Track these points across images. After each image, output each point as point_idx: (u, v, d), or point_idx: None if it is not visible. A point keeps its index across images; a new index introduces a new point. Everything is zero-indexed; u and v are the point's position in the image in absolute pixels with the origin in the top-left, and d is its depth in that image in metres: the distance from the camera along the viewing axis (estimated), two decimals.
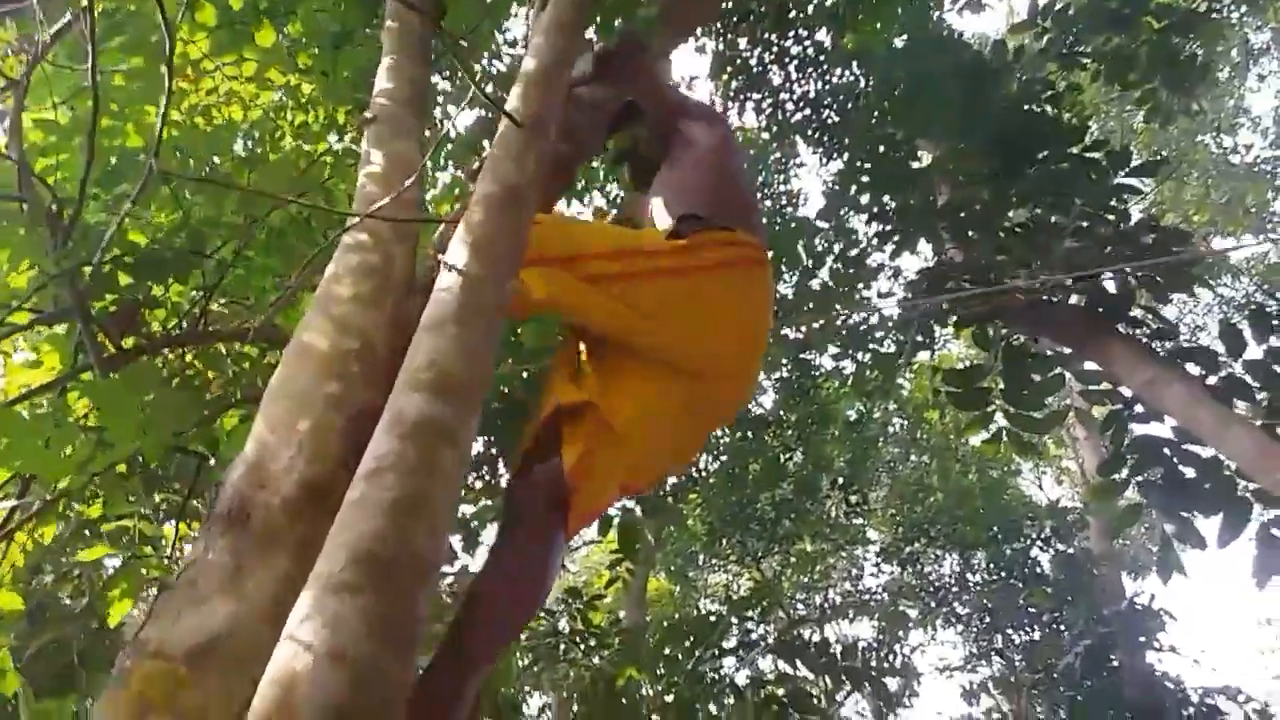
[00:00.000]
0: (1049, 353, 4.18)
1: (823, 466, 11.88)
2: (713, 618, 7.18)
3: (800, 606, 14.25)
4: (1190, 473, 3.69)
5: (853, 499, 12.33)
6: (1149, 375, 3.60)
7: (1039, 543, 12.23)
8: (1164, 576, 3.82)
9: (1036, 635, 11.92)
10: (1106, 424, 3.99)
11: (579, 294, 1.72)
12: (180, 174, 2.36)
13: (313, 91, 2.70)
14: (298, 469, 1.33)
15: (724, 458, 11.25)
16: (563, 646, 6.43)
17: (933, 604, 12.95)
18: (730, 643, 7.54)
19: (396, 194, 1.81)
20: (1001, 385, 4.01)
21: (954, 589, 13.14)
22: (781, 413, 10.96)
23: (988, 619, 12.81)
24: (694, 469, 11.50)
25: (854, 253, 5.11)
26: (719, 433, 11.89)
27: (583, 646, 6.29)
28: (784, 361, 10.30)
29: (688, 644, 5.65)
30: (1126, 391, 3.83)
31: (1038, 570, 12.06)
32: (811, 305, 7.76)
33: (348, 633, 0.92)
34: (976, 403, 4.02)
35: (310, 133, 2.75)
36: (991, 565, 12.47)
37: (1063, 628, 10.99)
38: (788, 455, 11.31)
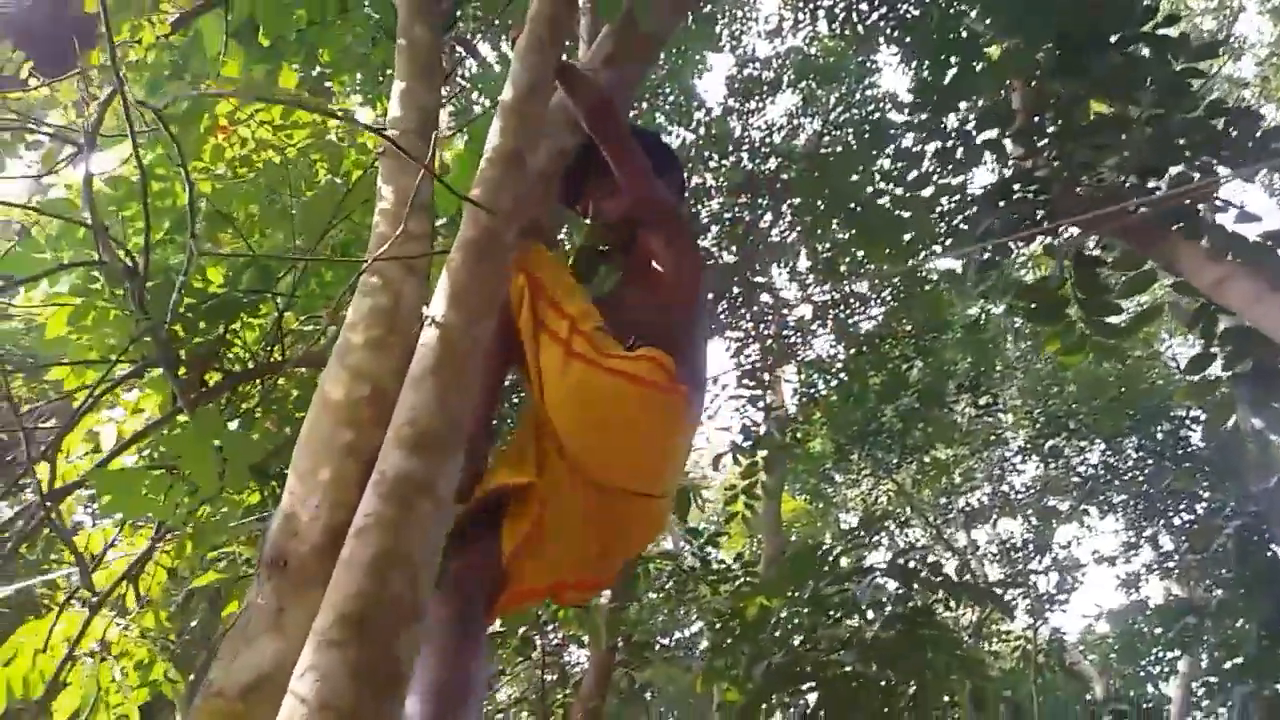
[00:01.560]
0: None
1: (947, 372, 11.67)
2: (842, 539, 7.21)
3: (947, 514, 14.17)
4: None
5: (982, 401, 12.08)
6: (1217, 274, 3.41)
7: (1189, 422, 11.70)
8: (1258, 477, 3.67)
9: (1193, 518, 11.52)
10: (1195, 318, 3.81)
11: (527, 323, 1.87)
12: (214, 243, 2.58)
13: (339, 128, 2.88)
14: (322, 518, 1.51)
15: (842, 376, 11.21)
16: (689, 583, 6.68)
17: (1080, 496, 12.65)
18: (868, 559, 7.63)
19: (401, 230, 1.94)
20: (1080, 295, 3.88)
21: (1105, 478, 12.78)
22: (893, 324, 10.80)
23: (1142, 505, 12.44)
24: (812, 390, 11.53)
25: (913, 176, 4.96)
26: (832, 350, 11.82)
27: (706, 582, 6.52)
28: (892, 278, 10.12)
29: (807, 568, 5.77)
30: None
31: (1190, 451, 11.58)
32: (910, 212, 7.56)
33: (333, 685, 1.09)
34: (1053, 315, 3.91)
35: (344, 157, 2.93)
36: (1141, 450, 12.04)
37: (1222, 508, 10.58)
38: (907, 366, 11.16)
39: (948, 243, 7.14)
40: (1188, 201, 3.70)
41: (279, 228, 3.03)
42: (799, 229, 9.76)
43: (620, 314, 1.99)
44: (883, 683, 5.54)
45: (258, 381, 2.67)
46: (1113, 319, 3.89)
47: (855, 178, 7.95)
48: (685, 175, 2.68)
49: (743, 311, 10.90)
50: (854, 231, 7.71)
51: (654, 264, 2.11)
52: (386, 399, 1.69)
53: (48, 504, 2.04)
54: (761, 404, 10.17)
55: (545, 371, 1.83)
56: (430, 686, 1.46)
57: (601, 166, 2.24)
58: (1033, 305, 3.97)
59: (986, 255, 4.17)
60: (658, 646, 9.69)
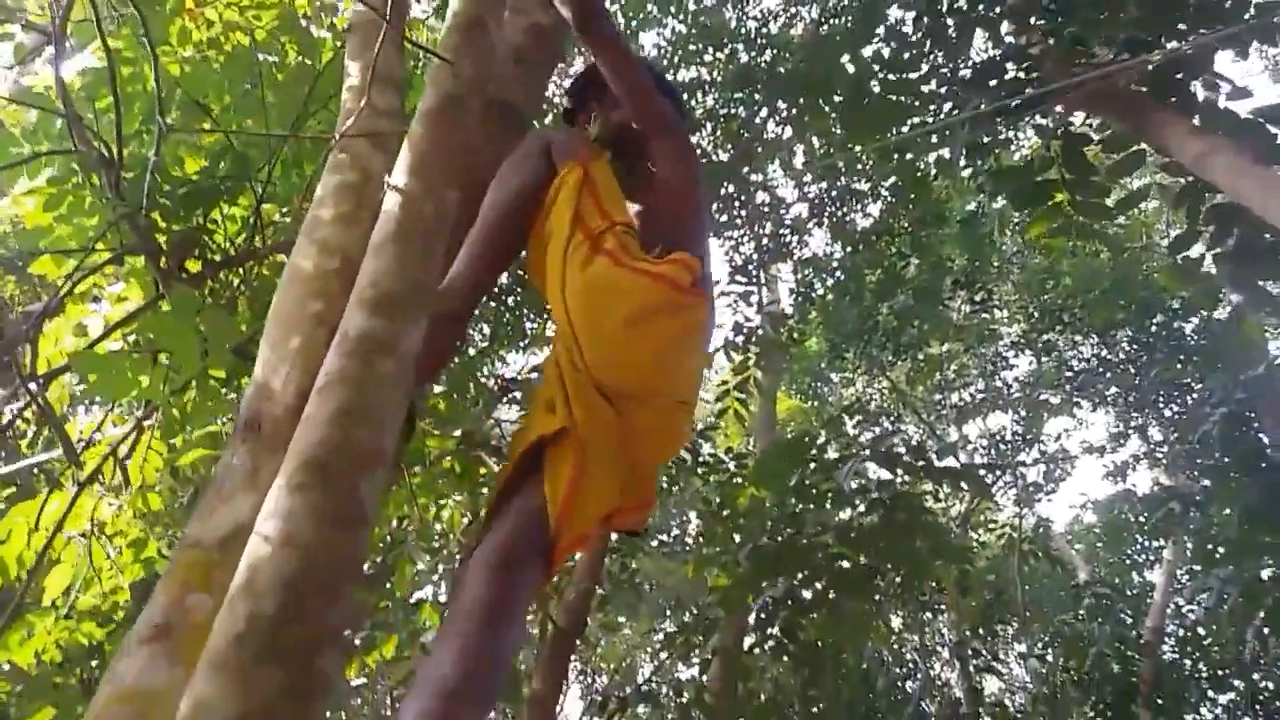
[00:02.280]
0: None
1: (943, 268, 11.67)
2: (828, 426, 7.33)
3: (940, 410, 14.34)
4: (1268, 238, 3.50)
5: (977, 297, 12.11)
6: (1201, 148, 3.37)
7: (1182, 313, 11.73)
8: (1247, 360, 3.70)
9: (1183, 409, 11.67)
10: (1181, 197, 3.78)
11: (564, 215, 1.81)
12: (188, 130, 2.56)
13: (305, 7, 2.82)
14: (293, 382, 1.56)
15: (839, 274, 11.21)
16: (680, 475, 6.83)
17: (1070, 389, 12.79)
18: (854, 454, 7.76)
19: (365, 102, 1.93)
20: (1067, 175, 3.84)
21: (1098, 370, 12.90)
22: (890, 220, 10.74)
23: (1133, 397, 12.58)
24: (809, 289, 11.54)
25: (907, 57, 4.85)
26: (828, 248, 11.79)
27: (697, 473, 6.66)
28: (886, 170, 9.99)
29: (794, 457, 5.88)
30: None
31: (1183, 342, 11.65)
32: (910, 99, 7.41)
33: (297, 524, 1.15)
34: (1038, 197, 3.89)
35: (315, 44, 2.89)
36: (1134, 343, 12.12)
37: (1211, 396, 10.70)
38: (904, 263, 11.15)
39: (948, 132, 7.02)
40: (1179, 76, 3.64)
41: (256, 119, 3.01)
42: (795, 124, 9.61)
43: (658, 233, 1.93)
44: (868, 566, 5.71)
45: (239, 270, 2.69)
46: (1100, 200, 3.87)
47: (850, 65, 7.78)
48: (687, 114, 2.56)
49: (738, 209, 10.82)
50: (848, 124, 7.57)
51: (655, 174, 2.05)
52: (355, 271, 1.71)
53: (31, 386, 2.08)
54: (755, 300, 10.18)
55: (569, 265, 1.78)
56: (453, 675, 1.38)
57: (600, 84, 2.17)
58: (1018, 188, 3.94)
59: (975, 136, 4.11)
60: (655, 542, 9.96)
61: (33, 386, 2.26)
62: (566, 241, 1.81)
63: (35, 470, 5.29)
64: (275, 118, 2.78)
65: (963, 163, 4.58)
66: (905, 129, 6.92)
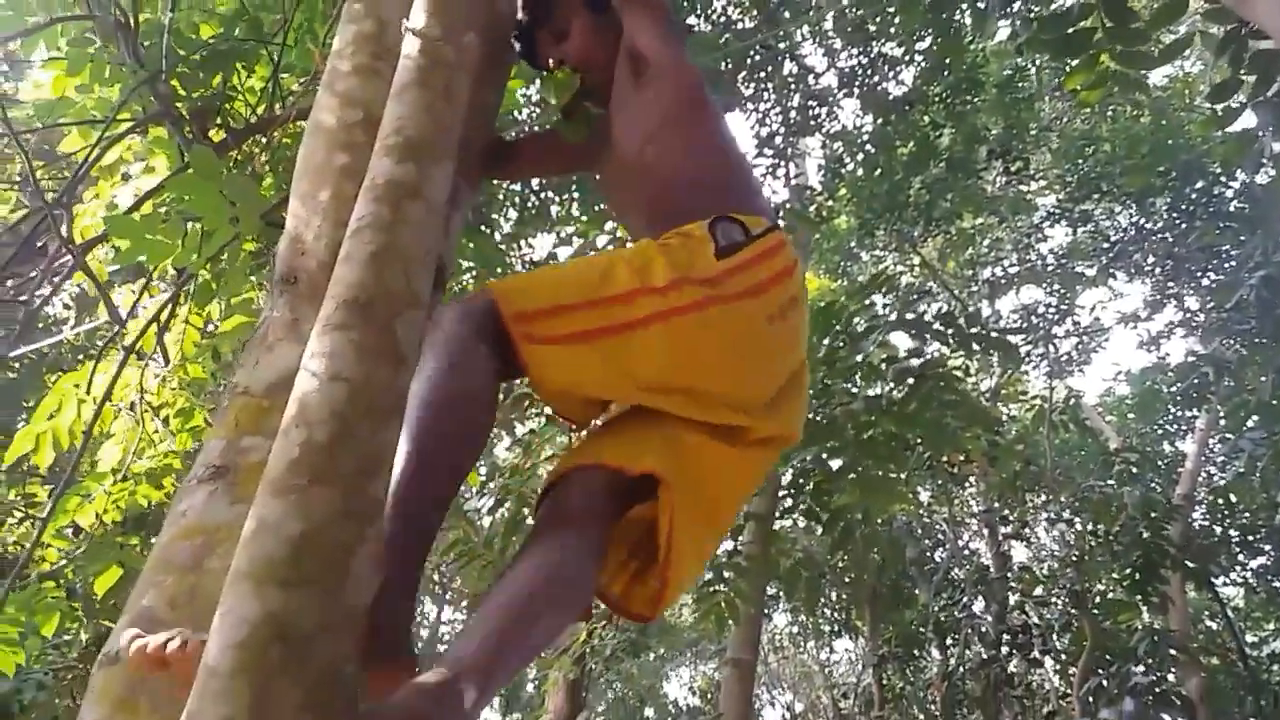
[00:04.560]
0: None
1: (977, 138, 11.32)
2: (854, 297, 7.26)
3: (972, 286, 14.18)
4: None
5: (1013, 167, 11.78)
6: None
7: (1222, 179, 11.37)
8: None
9: (1221, 277, 11.45)
10: (1223, 45, 3.61)
11: (578, 368, 1.44)
12: None
13: None
14: (325, 235, 1.58)
15: (869, 148, 10.93)
16: None
17: (1105, 260, 12.56)
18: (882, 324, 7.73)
19: None
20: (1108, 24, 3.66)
21: (1136, 239, 12.63)
22: (925, 88, 10.38)
23: (1170, 265, 12.35)
24: (838, 164, 11.28)
25: None
26: (859, 121, 11.46)
27: None
28: (921, 31, 9.60)
29: (821, 326, 5.87)
30: None
31: (1223, 207, 11.34)
32: None
33: (341, 360, 1.18)
34: (1078, 47, 3.72)
35: None
36: (1173, 210, 11.81)
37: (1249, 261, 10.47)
38: (937, 133, 10.83)
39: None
40: None
41: None
42: None
43: (639, 144, 1.77)
44: (896, 434, 5.76)
45: (262, 139, 2.68)
46: (1141, 48, 3.71)
47: None
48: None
49: (765, 80, 10.50)
50: None
51: (643, 64, 1.83)
52: (378, 123, 1.71)
53: (70, 251, 2.11)
54: (782, 175, 9.96)
55: (621, 370, 1.44)
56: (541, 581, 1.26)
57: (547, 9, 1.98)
58: (1056, 37, 3.77)
59: None
60: None
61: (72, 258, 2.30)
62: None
63: (79, 357, 5.43)
64: None
65: (999, 13, 4.38)
66: None
